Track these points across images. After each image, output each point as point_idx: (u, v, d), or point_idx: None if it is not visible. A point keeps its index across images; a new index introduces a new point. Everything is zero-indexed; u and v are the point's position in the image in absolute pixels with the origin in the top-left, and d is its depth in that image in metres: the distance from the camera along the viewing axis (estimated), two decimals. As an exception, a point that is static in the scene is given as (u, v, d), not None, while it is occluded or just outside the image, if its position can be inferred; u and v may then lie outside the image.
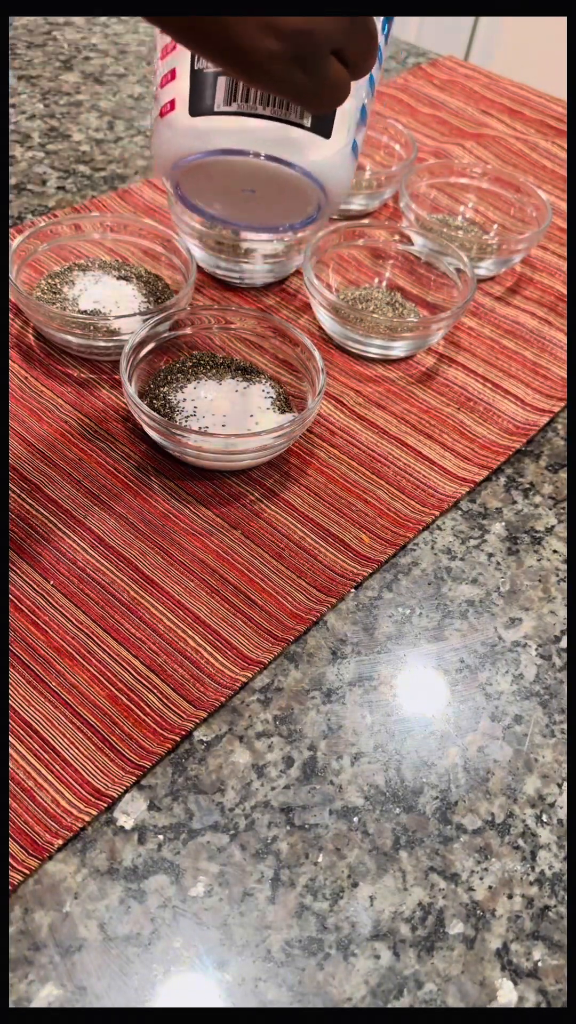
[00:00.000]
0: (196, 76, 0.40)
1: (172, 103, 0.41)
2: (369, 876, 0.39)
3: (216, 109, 0.39)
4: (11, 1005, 0.35)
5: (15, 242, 0.61)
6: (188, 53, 0.40)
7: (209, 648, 0.46)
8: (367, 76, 0.38)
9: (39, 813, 0.39)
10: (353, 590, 0.50)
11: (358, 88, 0.41)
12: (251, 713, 0.44)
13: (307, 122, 0.40)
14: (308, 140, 0.40)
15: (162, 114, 0.41)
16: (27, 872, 0.38)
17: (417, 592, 0.51)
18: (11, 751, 0.41)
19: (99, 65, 0.93)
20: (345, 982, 0.36)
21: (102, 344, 0.58)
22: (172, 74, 0.41)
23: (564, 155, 0.89)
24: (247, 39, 0.32)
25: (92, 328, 0.57)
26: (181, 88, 0.40)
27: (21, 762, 0.41)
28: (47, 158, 0.78)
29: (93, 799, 0.40)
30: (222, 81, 0.39)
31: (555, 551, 0.54)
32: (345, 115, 0.41)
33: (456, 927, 0.39)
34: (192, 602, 0.48)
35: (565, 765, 0.44)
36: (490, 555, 0.53)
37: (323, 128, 0.40)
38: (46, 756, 0.41)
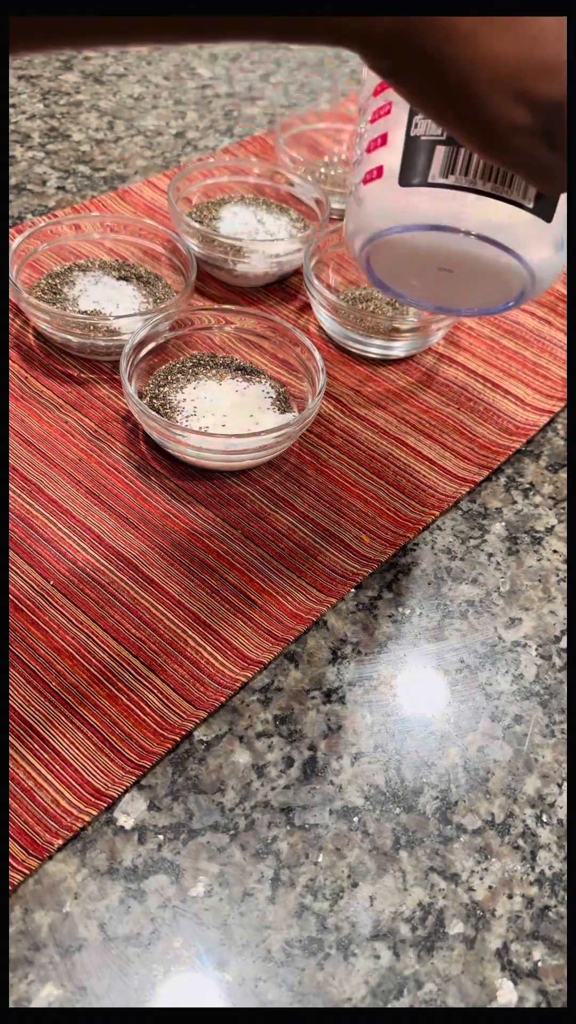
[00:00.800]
0: (411, 143, 0.36)
1: (380, 170, 0.37)
2: (369, 876, 0.39)
3: (430, 180, 0.36)
4: (11, 1005, 0.35)
5: (15, 242, 0.61)
6: (404, 117, 0.36)
7: (209, 648, 0.46)
8: None
9: (39, 813, 0.39)
10: (353, 590, 0.50)
11: None
12: (251, 713, 0.44)
13: (529, 203, 0.36)
14: (525, 223, 0.36)
15: (366, 181, 0.38)
16: (27, 872, 0.38)
17: (417, 592, 0.51)
18: (11, 751, 0.41)
19: (99, 65, 0.93)
20: (345, 982, 0.36)
21: (102, 344, 0.58)
22: (383, 139, 0.37)
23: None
24: (494, 107, 0.29)
25: (92, 328, 0.57)
26: (391, 156, 0.37)
27: (21, 762, 0.41)
28: (47, 158, 0.78)
29: (93, 799, 0.40)
30: (440, 150, 0.35)
31: (555, 551, 0.54)
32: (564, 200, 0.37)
33: (456, 927, 0.39)
34: (192, 602, 0.48)
35: (565, 765, 0.44)
36: (490, 555, 0.53)
37: (546, 211, 0.36)
38: (46, 756, 0.41)
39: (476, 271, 0.38)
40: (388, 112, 0.37)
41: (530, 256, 0.37)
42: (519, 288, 0.39)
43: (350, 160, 0.40)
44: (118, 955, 0.36)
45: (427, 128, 0.36)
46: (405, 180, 0.36)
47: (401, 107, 0.37)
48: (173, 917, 0.37)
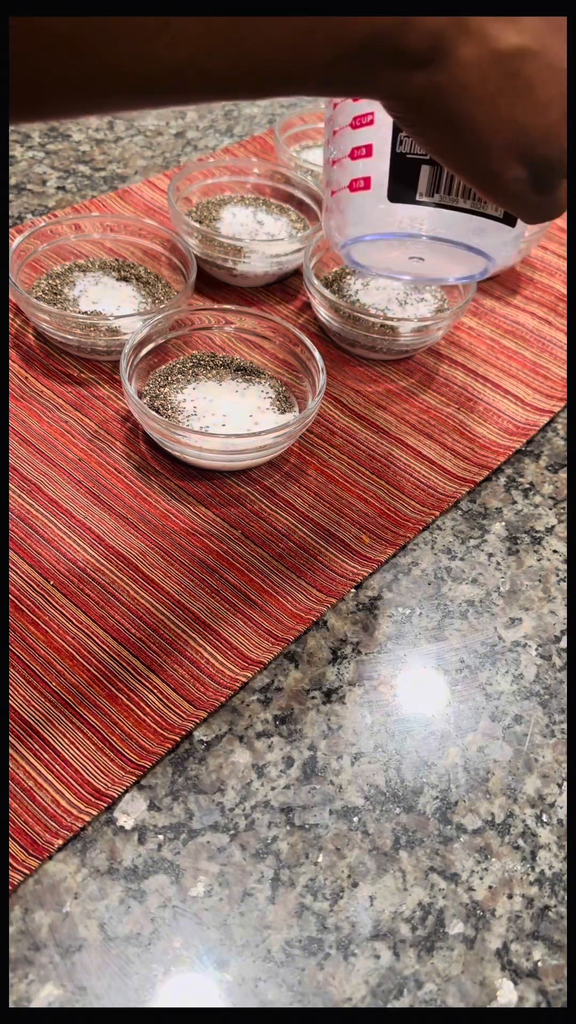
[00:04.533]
0: (399, 160, 0.39)
1: (367, 181, 0.40)
2: (369, 876, 0.39)
3: (418, 199, 0.40)
4: (11, 1005, 0.35)
5: (15, 242, 0.61)
6: (388, 134, 0.39)
7: (209, 648, 0.46)
8: None
9: (39, 813, 0.39)
10: (353, 590, 0.50)
11: None
12: (251, 713, 0.44)
13: (500, 215, 0.40)
14: (492, 228, 0.41)
15: (352, 189, 0.41)
16: (27, 872, 0.38)
17: (417, 592, 0.51)
18: (11, 751, 0.41)
19: (99, 65, 0.93)
20: (345, 982, 0.36)
21: (102, 344, 0.58)
22: (368, 150, 0.40)
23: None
24: (502, 164, 0.33)
25: (92, 328, 0.57)
26: (379, 169, 0.40)
27: (21, 762, 0.41)
28: (47, 158, 0.78)
29: (93, 799, 0.40)
30: (426, 170, 0.39)
31: (555, 551, 0.54)
32: None
33: (456, 927, 0.39)
34: (192, 602, 0.48)
35: (565, 765, 0.44)
36: (490, 555, 0.53)
37: (512, 220, 0.41)
38: (46, 756, 0.41)
39: (443, 258, 0.44)
40: (371, 123, 0.40)
41: (495, 252, 0.42)
42: (482, 268, 0.44)
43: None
44: (118, 955, 0.36)
45: (412, 147, 0.39)
46: (394, 197, 0.40)
47: (384, 120, 0.39)
48: (173, 917, 0.37)
